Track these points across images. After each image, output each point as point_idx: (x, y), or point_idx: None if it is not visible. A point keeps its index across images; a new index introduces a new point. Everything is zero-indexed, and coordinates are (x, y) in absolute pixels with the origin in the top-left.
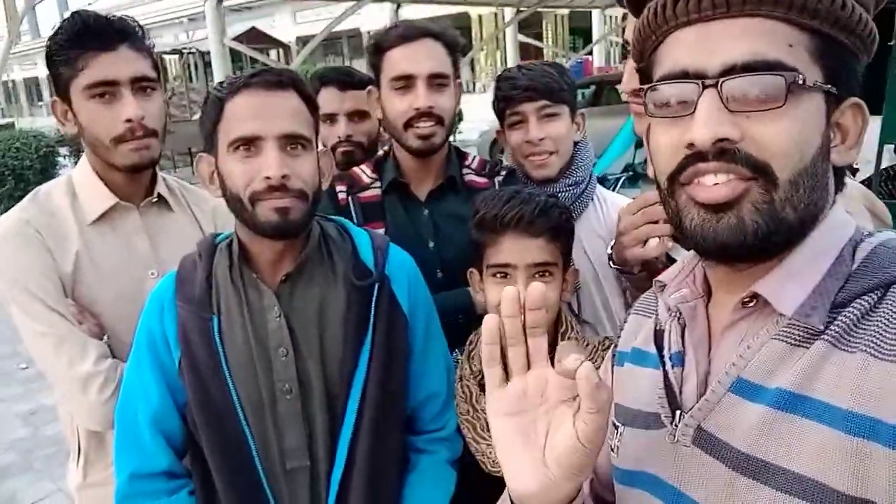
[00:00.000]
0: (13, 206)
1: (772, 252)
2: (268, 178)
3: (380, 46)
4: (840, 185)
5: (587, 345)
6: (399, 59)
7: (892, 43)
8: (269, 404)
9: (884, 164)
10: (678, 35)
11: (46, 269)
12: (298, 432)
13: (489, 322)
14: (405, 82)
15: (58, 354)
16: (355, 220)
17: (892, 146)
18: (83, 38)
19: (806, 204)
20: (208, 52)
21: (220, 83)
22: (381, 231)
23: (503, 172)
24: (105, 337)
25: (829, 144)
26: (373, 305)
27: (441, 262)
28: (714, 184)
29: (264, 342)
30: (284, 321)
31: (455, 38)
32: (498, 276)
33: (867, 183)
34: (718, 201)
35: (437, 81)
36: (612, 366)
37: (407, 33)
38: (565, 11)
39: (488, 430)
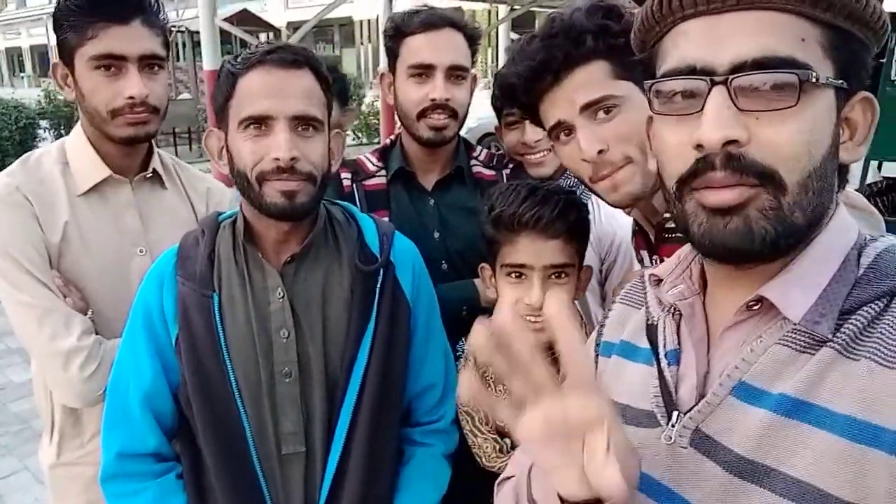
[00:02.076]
0: None
1: (780, 255)
2: (276, 159)
3: (400, 31)
4: (842, 184)
5: None
6: (420, 47)
7: (884, 60)
8: (268, 387)
9: (869, 180)
10: (684, 28)
11: (34, 238)
12: (296, 417)
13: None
14: (423, 71)
15: (40, 327)
16: (359, 209)
17: (877, 163)
18: (97, 5)
19: (815, 206)
20: (197, 32)
21: (235, 57)
22: (386, 220)
23: (510, 165)
24: (89, 312)
25: (838, 142)
26: (377, 291)
27: (447, 253)
28: (722, 187)
29: (265, 323)
30: (287, 303)
31: (476, 31)
32: (513, 276)
33: None
34: (725, 205)
35: (455, 73)
36: (597, 355)
37: (430, 21)
38: None
39: (486, 423)
